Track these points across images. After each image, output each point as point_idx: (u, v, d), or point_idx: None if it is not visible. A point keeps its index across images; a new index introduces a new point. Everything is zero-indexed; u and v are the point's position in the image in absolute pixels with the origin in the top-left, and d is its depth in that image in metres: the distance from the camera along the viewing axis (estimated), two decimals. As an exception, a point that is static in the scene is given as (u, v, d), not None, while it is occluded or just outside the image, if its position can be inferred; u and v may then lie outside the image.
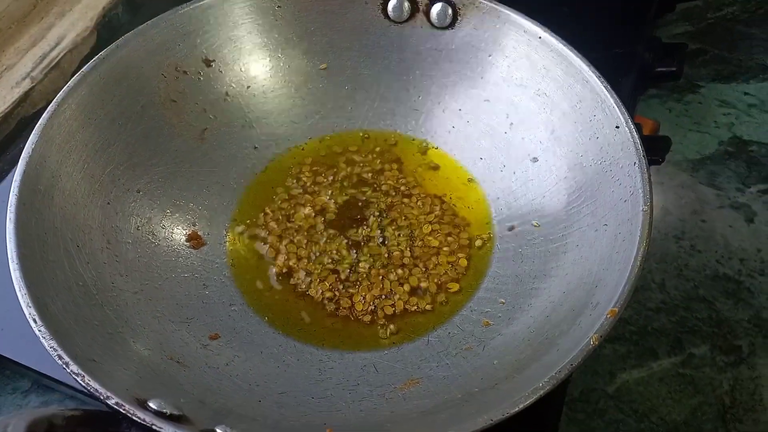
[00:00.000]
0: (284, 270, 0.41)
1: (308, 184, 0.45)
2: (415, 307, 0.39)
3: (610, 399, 0.42)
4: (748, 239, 0.49)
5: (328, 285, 0.40)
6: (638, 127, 0.37)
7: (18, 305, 0.32)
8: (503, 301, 0.38)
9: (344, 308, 0.40)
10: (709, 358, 0.44)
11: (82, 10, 0.58)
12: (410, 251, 0.41)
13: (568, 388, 0.41)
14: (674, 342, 0.45)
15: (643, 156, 0.35)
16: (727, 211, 0.51)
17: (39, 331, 0.31)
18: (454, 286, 0.40)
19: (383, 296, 0.40)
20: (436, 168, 0.46)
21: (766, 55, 0.61)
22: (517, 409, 0.28)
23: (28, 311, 0.31)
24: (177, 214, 0.42)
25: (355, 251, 0.42)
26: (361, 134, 0.47)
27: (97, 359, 0.31)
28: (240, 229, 0.43)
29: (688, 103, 0.58)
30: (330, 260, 0.41)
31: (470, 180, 0.45)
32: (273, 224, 0.43)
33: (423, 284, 0.40)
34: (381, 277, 0.41)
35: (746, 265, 0.48)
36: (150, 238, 0.40)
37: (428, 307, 0.39)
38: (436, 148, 0.46)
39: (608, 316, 0.30)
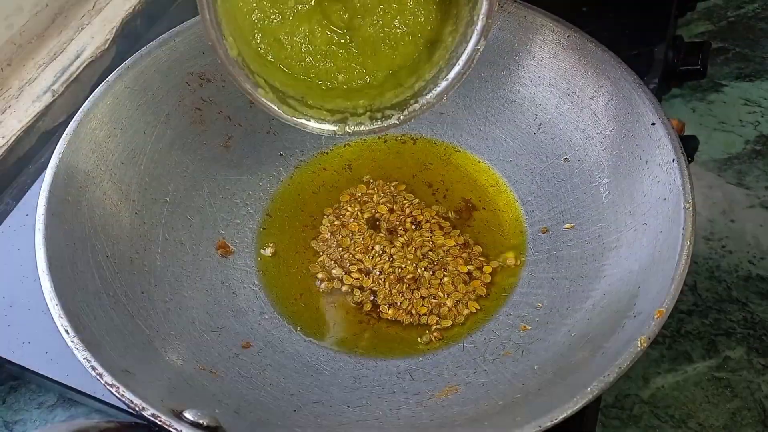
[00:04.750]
0: (321, 274, 0.41)
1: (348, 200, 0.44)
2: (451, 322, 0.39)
3: (645, 404, 0.41)
4: (779, 239, 0.48)
5: (388, 292, 0.40)
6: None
7: (43, 318, 0.32)
8: (540, 304, 0.37)
9: (397, 311, 0.39)
10: (745, 361, 0.43)
11: (100, 23, 0.58)
12: (436, 258, 0.41)
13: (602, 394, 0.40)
14: (709, 345, 0.44)
15: (682, 153, 0.34)
16: (757, 210, 0.50)
17: (72, 342, 0.30)
18: (482, 291, 0.39)
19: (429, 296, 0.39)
20: (462, 171, 0.45)
21: (789, 53, 0.60)
22: (565, 414, 0.27)
23: (60, 322, 0.31)
24: (205, 223, 0.42)
25: (390, 258, 0.41)
26: (385, 139, 0.47)
27: (130, 370, 0.31)
28: (271, 246, 0.42)
29: (712, 103, 0.58)
30: (374, 266, 0.41)
31: (499, 182, 0.44)
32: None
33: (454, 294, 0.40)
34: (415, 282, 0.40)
35: (779, 266, 0.47)
36: (178, 247, 0.40)
37: (474, 308, 0.38)
38: (460, 152, 0.46)
39: (656, 316, 0.29)
